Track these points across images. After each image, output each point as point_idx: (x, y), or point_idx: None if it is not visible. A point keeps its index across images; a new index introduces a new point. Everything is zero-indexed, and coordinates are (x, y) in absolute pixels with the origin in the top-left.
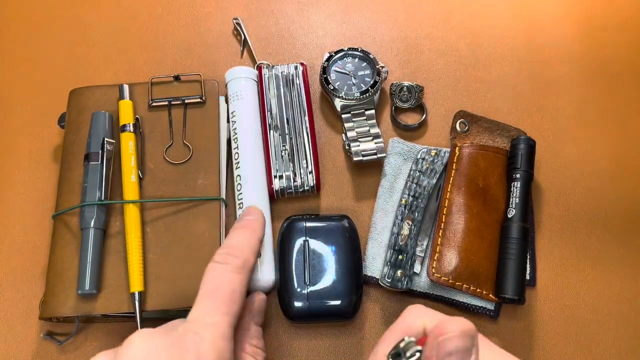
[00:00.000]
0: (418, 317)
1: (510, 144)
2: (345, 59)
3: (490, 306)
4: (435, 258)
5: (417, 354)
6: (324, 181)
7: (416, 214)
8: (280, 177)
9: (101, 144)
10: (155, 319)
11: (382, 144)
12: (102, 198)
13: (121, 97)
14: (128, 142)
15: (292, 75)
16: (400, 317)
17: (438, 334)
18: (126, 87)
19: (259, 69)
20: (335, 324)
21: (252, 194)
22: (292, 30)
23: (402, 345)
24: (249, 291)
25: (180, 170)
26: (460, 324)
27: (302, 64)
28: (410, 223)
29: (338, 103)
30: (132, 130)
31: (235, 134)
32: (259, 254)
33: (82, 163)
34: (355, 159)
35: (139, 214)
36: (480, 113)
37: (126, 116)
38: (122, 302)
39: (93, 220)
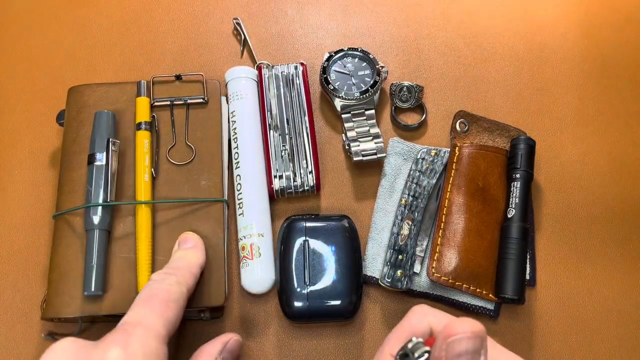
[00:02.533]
0: (424, 317)
1: (510, 144)
2: (345, 59)
3: (490, 306)
4: (435, 258)
5: (426, 355)
6: (324, 181)
7: (416, 214)
8: (280, 177)
9: (106, 144)
10: None
11: (382, 144)
12: (107, 199)
13: (138, 94)
14: (143, 140)
15: (292, 75)
16: (406, 317)
17: (447, 335)
18: (144, 84)
19: (259, 69)
20: (335, 324)
21: (252, 193)
22: (292, 30)
23: (410, 345)
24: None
25: (184, 172)
26: (470, 325)
27: (302, 64)
28: (410, 223)
29: (338, 103)
30: (148, 129)
31: (235, 133)
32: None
33: (83, 162)
34: (355, 159)
35: (150, 214)
36: (480, 113)
37: (143, 114)
38: (127, 302)
39: (98, 222)
